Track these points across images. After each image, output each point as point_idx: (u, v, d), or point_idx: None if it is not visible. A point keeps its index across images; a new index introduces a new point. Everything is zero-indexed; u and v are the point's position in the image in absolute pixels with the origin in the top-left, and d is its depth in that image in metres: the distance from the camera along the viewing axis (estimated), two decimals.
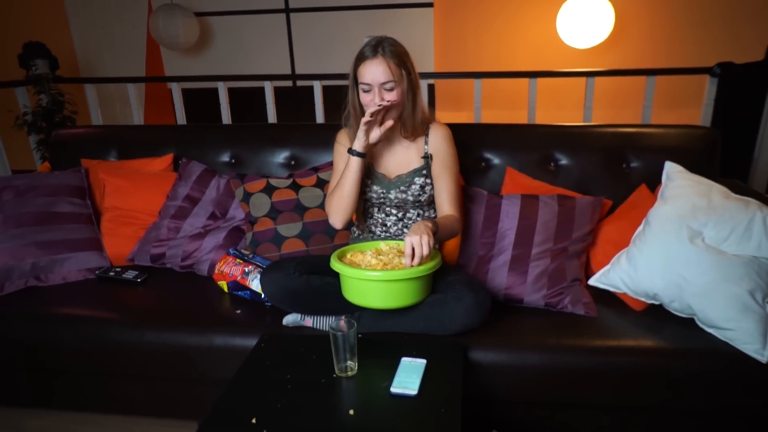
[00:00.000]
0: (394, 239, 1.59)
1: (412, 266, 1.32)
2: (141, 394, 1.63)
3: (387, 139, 1.59)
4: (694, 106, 3.25)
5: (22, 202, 1.82)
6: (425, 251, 1.30)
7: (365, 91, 1.48)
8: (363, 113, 1.51)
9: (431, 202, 1.63)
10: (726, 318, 1.33)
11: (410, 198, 1.58)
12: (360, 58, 1.48)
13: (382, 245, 1.51)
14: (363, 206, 1.65)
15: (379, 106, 1.43)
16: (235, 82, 3.58)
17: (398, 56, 1.47)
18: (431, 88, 4.16)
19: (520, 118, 3.37)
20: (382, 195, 1.59)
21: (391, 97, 1.47)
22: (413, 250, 1.31)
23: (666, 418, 1.42)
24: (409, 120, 1.53)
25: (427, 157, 1.58)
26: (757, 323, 1.30)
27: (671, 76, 3.11)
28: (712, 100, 2.96)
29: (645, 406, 1.38)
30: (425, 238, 1.31)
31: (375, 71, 1.45)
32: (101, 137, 2.17)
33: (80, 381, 1.65)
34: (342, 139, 1.63)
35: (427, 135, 1.59)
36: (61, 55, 3.69)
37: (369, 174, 1.60)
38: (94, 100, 3.52)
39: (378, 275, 1.30)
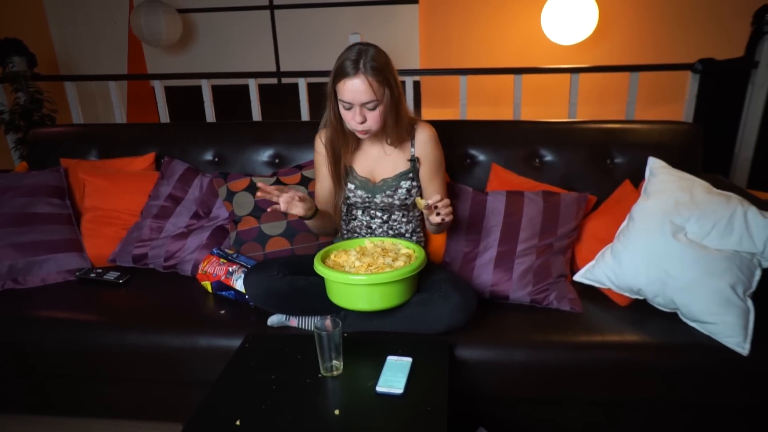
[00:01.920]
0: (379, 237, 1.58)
1: (425, 205, 1.34)
2: (125, 397, 1.61)
3: (370, 143, 1.55)
4: (677, 102, 3.28)
5: None
6: (444, 212, 1.33)
7: (346, 109, 1.41)
8: (341, 125, 1.48)
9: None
10: (708, 312, 1.34)
11: (397, 202, 1.55)
12: (340, 74, 1.37)
13: (367, 243, 1.50)
14: (346, 209, 1.62)
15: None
16: (219, 79, 3.53)
17: (380, 72, 1.36)
18: (417, 84, 4.15)
19: (505, 114, 3.38)
20: (367, 199, 1.56)
21: (372, 117, 1.40)
22: (438, 203, 1.33)
23: (652, 412, 1.43)
24: (393, 131, 1.47)
25: (414, 160, 1.55)
26: (739, 317, 1.32)
27: (655, 72, 3.14)
28: (694, 96, 2.99)
29: (631, 401, 1.39)
30: (450, 210, 1.35)
31: (356, 91, 1.36)
32: (81, 136, 2.13)
33: (62, 385, 1.61)
34: (319, 147, 1.58)
35: (412, 138, 1.54)
36: (40, 52, 3.61)
37: (352, 179, 1.56)
38: (75, 99, 3.45)
39: (362, 279, 1.29)
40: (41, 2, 4.36)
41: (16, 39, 3.42)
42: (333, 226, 1.63)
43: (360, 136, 1.46)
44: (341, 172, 1.55)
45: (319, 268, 1.34)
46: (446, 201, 1.34)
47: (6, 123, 3.30)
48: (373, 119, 1.41)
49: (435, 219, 1.33)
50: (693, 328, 1.38)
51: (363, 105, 1.38)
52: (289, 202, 1.38)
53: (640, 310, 1.47)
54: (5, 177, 1.87)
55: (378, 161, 1.56)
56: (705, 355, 1.33)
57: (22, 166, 2.10)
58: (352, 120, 1.41)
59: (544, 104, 3.75)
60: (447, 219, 1.34)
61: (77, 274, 1.75)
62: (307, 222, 1.49)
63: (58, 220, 1.84)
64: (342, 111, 1.43)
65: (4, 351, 1.54)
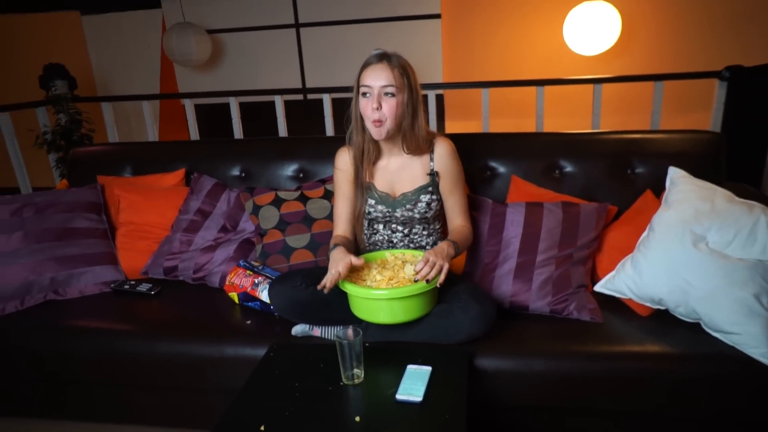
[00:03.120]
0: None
1: (414, 279, 1.34)
2: (154, 404, 1.67)
3: (389, 154, 1.59)
4: (703, 111, 3.23)
5: (42, 218, 1.88)
6: (431, 276, 1.33)
7: (365, 96, 1.48)
8: (363, 124, 1.52)
9: (437, 217, 1.64)
10: (732, 322, 1.32)
11: (417, 216, 1.58)
12: (364, 65, 1.49)
13: (388, 255, 1.53)
14: (367, 223, 1.65)
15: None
16: (246, 96, 3.65)
17: (402, 67, 1.47)
18: (440, 98, 4.19)
19: (528, 126, 3.38)
20: (387, 214, 1.59)
21: (388, 105, 1.45)
22: (425, 266, 1.33)
23: (673, 423, 1.41)
24: (410, 135, 1.51)
25: (433, 174, 1.58)
26: (763, 327, 1.30)
27: (680, 81, 3.10)
28: (722, 103, 2.95)
29: (652, 411, 1.38)
30: (441, 265, 1.34)
31: (377, 74, 1.45)
32: (116, 154, 2.24)
33: (94, 392, 1.69)
34: (340, 164, 1.62)
35: (431, 152, 1.58)
36: (80, 76, 3.80)
37: (371, 194, 1.59)
38: (111, 118, 3.62)
39: (383, 293, 1.31)
40: (81, 29, 4.59)
41: (58, 64, 3.61)
42: (354, 246, 1.66)
43: (374, 127, 1.48)
44: (363, 182, 1.60)
45: (340, 282, 1.37)
46: (431, 264, 1.34)
47: (48, 143, 3.48)
48: (389, 108, 1.45)
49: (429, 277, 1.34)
50: (716, 339, 1.37)
51: (382, 88, 1.45)
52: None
53: (662, 320, 1.46)
54: (48, 194, 1.98)
55: (397, 175, 1.59)
56: (728, 366, 1.31)
57: (62, 183, 2.21)
58: (368, 107, 1.47)
59: (567, 115, 3.73)
60: (442, 277, 1.34)
61: (112, 285, 1.84)
62: None
63: (95, 235, 1.94)
64: (362, 104, 1.49)
65: (42, 358, 1.62)
